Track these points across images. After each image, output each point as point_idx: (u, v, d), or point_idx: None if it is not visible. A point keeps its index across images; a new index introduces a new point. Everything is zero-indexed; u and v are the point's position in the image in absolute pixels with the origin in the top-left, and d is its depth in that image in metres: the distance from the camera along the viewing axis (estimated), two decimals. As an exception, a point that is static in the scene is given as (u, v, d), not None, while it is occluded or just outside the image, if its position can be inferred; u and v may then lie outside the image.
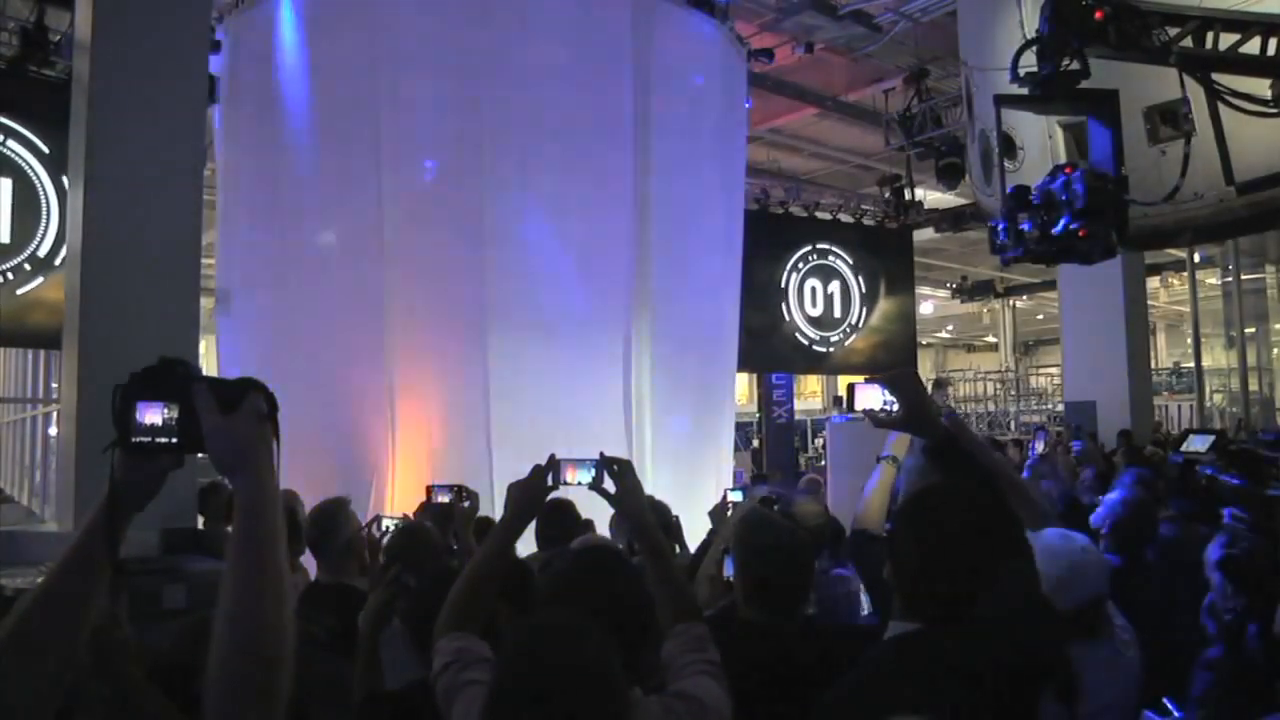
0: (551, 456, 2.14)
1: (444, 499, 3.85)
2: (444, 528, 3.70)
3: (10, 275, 7.96)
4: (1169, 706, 2.57)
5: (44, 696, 1.14)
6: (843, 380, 29.21)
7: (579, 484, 2.12)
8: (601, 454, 2.11)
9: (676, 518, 4.43)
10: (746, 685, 1.96)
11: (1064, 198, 4.56)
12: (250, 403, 1.17)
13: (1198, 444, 4.16)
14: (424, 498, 4.11)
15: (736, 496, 4.30)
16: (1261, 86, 4.94)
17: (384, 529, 3.81)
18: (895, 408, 2.07)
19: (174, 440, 1.17)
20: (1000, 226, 4.89)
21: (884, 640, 1.72)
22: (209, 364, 10.11)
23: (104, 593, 1.19)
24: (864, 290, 15.26)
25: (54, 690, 1.15)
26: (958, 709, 1.49)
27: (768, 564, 2.28)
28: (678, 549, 4.11)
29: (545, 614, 1.75)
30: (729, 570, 2.70)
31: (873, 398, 2.11)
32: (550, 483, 2.12)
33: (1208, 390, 17.30)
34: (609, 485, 2.09)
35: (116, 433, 1.17)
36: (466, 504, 3.63)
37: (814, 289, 14.68)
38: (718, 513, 4.31)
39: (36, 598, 1.17)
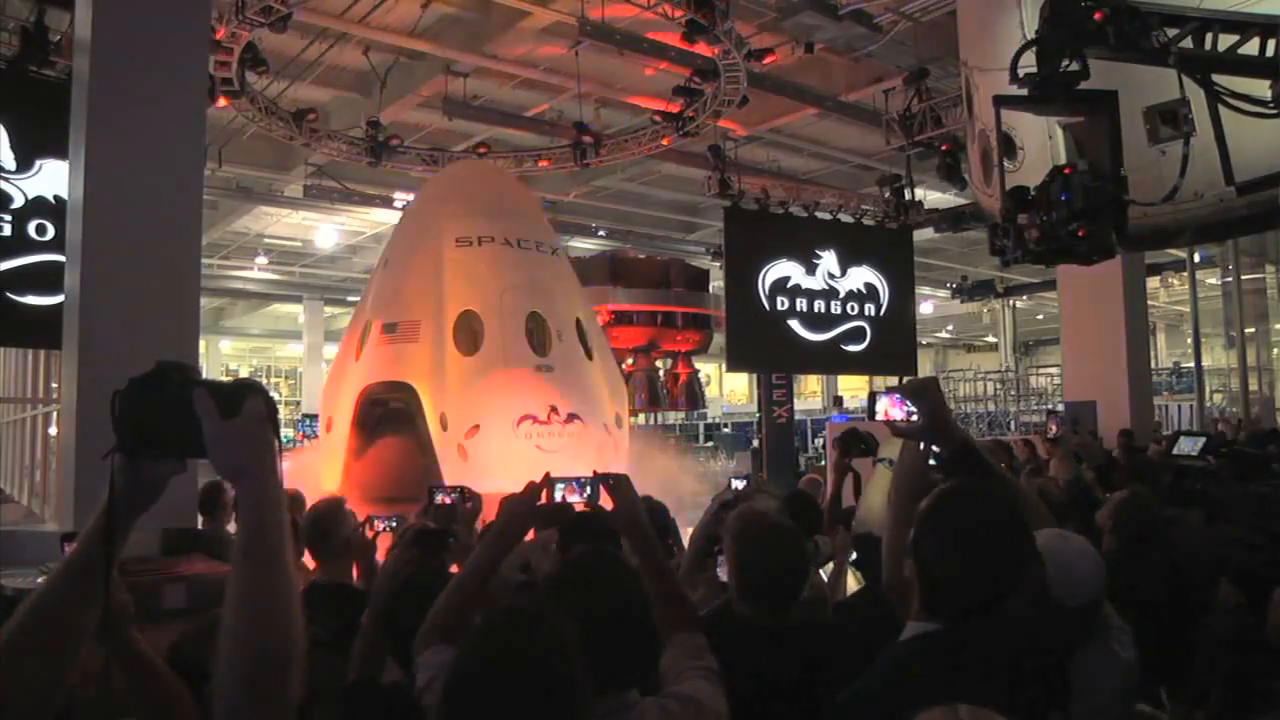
0: (546, 474, 2.13)
1: (446, 500, 3.82)
2: (447, 529, 3.69)
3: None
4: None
5: (44, 696, 1.15)
6: (842, 381, 29.30)
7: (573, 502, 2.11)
8: (595, 472, 2.11)
9: (674, 520, 4.44)
10: (742, 682, 1.96)
11: (1063, 198, 4.56)
12: (251, 406, 1.16)
13: (1187, 446, 4.17)
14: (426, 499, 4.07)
15: (740, 484, 4.37)
16: (1261, 87, 4.93)
17: (377, 530, 3.80)
18: (916, 417, 2.07)
19: (175, 446, 1.16)
20: (999, 227, 4.89)
21: (903, 640, 1.72)
22: (209, 364, 10.12)
23: (104, 595, 1.19)
24: (864, 290, 15.25)
25: (54, 691, 1.15)
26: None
27: (761, 561, 2.29)
28: (675, 551, 4.11)
29: (506, 608, 1.73)
30: (723, 572, 2.70)
31: (894, 406, 2.12)
32: (544, 501, 2.11)
33: (1208, 390, 17.31)
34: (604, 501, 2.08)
35: (116, 439, 1.16)
36: (469, 505, 3.61)
37: (813, 289, 14.67)
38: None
39: (38, 600, 1.17)
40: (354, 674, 2.37)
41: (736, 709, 1.86)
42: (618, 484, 2.07)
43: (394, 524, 3.83)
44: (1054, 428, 5.94)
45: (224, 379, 1.22)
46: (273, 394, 1.24)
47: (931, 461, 2.30)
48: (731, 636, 2.11)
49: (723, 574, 2.77)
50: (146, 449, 1.16)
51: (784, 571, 2.31)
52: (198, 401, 1.15)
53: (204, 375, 1.22)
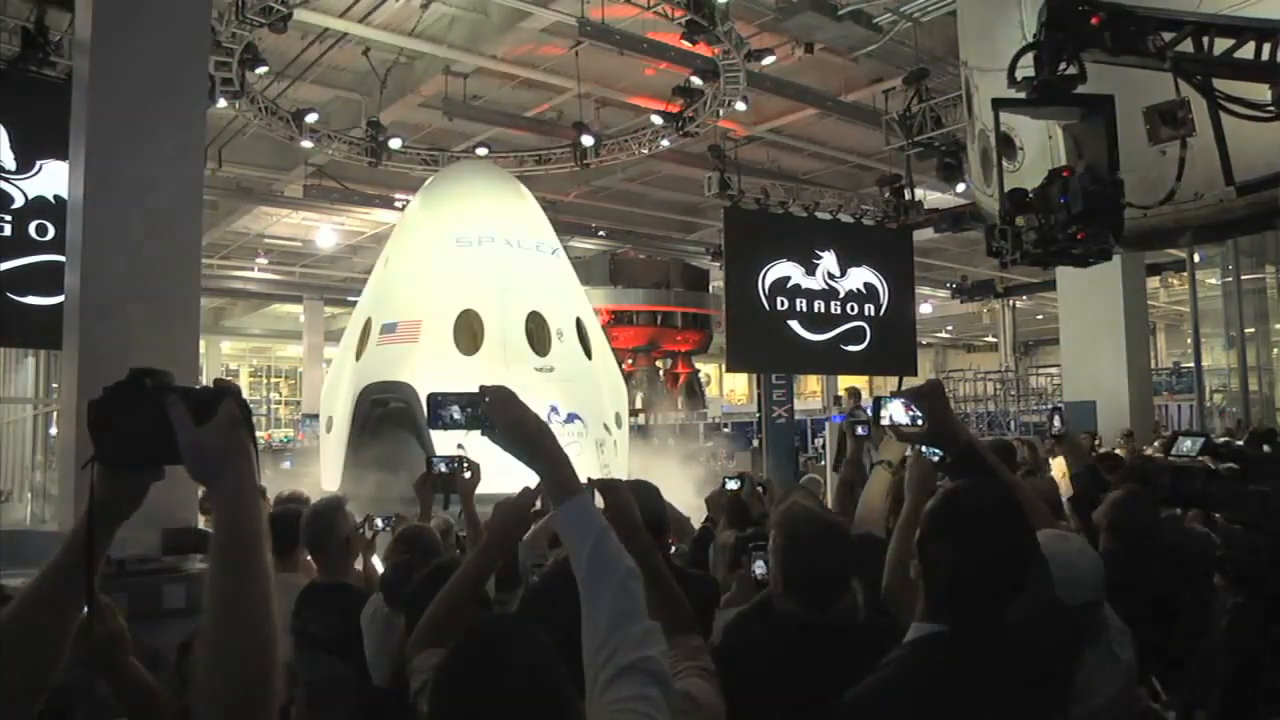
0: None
1: (443, 469, 3.71)
2: (445, 498, 3.63)
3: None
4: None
5: (24, 699, 1.16)
6: (842, 380, 29.29)
7: None
8: (590, 479, 2.10)
9: (687, 518, 4.44)
10: (784, 676, 1.95)
11: (1062, 201, 4.55)
12: (224, 410, 1.16)
13: (1186, 446, 4.15)
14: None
15: (734, 485, 4.39)
16: (1260, 90, 4.93)
17: (376, 529, 3.80)
18: (920, 421, 2.07)
19: (150, 454, 1.16)
20: (997, 229, 4.89)
21: (908, 641, 1.72)
22: (209, 364, 10.12)
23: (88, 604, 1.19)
24: (864, 290, 15.25)
25: (33, 694, 1.16)
26: (986, 709, 1.50)
27: (807, 556, 2.27)
28: (684, 547, 4.10)
29: (488, 620, 1.73)
30: (759, 569, 2.70)
31: (899, 411, 2.12)
32: (540, 506, 2.10)
33: (1208, 390, 17.30)
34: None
35: (93, 448, 1.16)
36: (469, 475, 3.51)
37: (813, 289, 14.68)
38: (714, 499, 4.39)
39: (17, 606, 1.18)
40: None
41: (775, 700, 1.86)
42: (611, 489, 2.06)
43: (393, 523, 3.84)
44: (1058, 423, 5.92)
45: (197, 385, 1.21)
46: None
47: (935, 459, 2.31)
48: (774, 631, 2.10)
49: (756, 571, 2.79)
50: (123, 457, 1.17)
51: (832, 568, 2.28)
52: (171, 408, 1.14)
53: (202, 379, 1.23)
